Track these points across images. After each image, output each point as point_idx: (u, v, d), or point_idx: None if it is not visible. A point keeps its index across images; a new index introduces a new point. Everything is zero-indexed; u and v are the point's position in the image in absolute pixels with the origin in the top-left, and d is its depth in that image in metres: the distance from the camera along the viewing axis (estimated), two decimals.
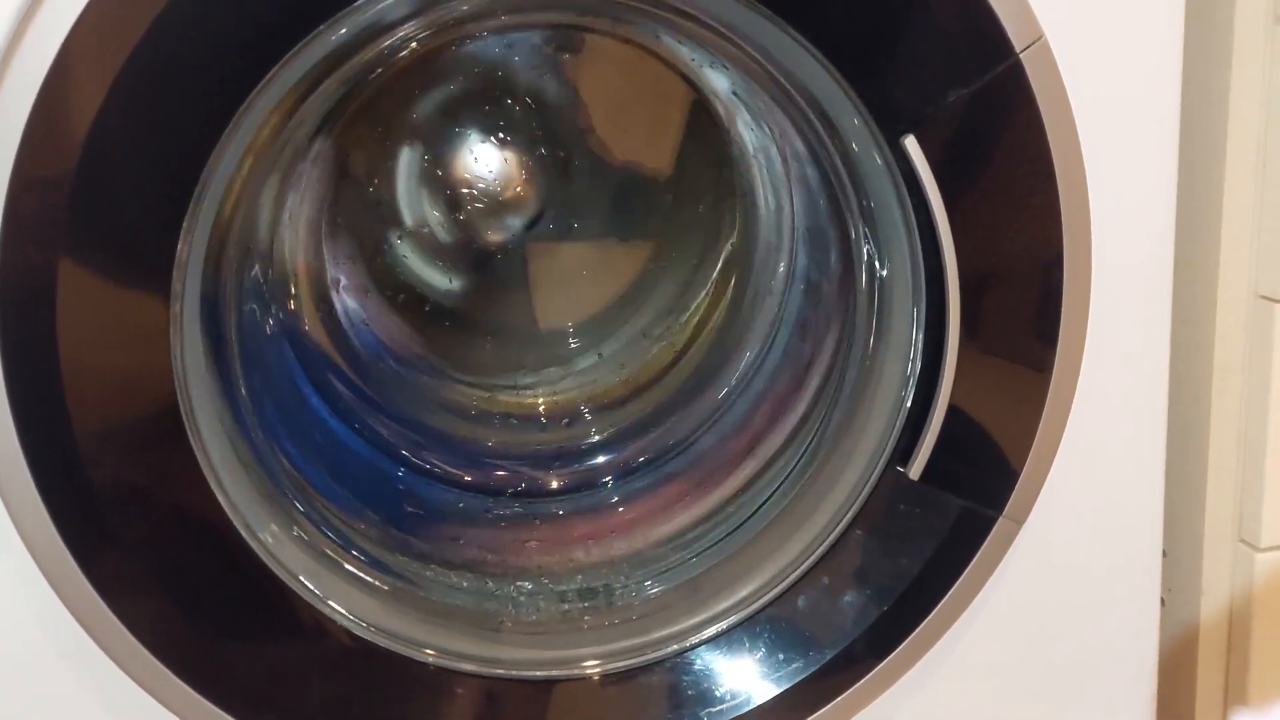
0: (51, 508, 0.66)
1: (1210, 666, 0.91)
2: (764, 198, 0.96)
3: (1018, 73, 0.71)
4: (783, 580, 0.81)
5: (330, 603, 0.75)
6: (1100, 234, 0.75)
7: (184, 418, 0.68)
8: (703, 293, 1.01)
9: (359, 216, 0.96)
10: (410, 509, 0.92)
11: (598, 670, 0.80)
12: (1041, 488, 0.79)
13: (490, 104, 0.95)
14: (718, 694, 0.80)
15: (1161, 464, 0.85)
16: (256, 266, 0.88)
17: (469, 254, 0.98)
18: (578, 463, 0.98)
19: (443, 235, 0.97)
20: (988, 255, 0.74)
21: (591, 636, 0.82)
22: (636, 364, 1.02)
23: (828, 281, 0.89)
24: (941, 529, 0.79)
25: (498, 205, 0.96)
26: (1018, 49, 0.70)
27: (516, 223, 0.97)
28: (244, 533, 0.71)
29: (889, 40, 0.71)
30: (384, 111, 0.93)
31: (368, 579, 0.80)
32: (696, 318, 1.01)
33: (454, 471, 0.95)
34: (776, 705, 0.79)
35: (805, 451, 0.86)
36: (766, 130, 0.92)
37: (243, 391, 0.79)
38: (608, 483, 0.97)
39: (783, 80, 0.77)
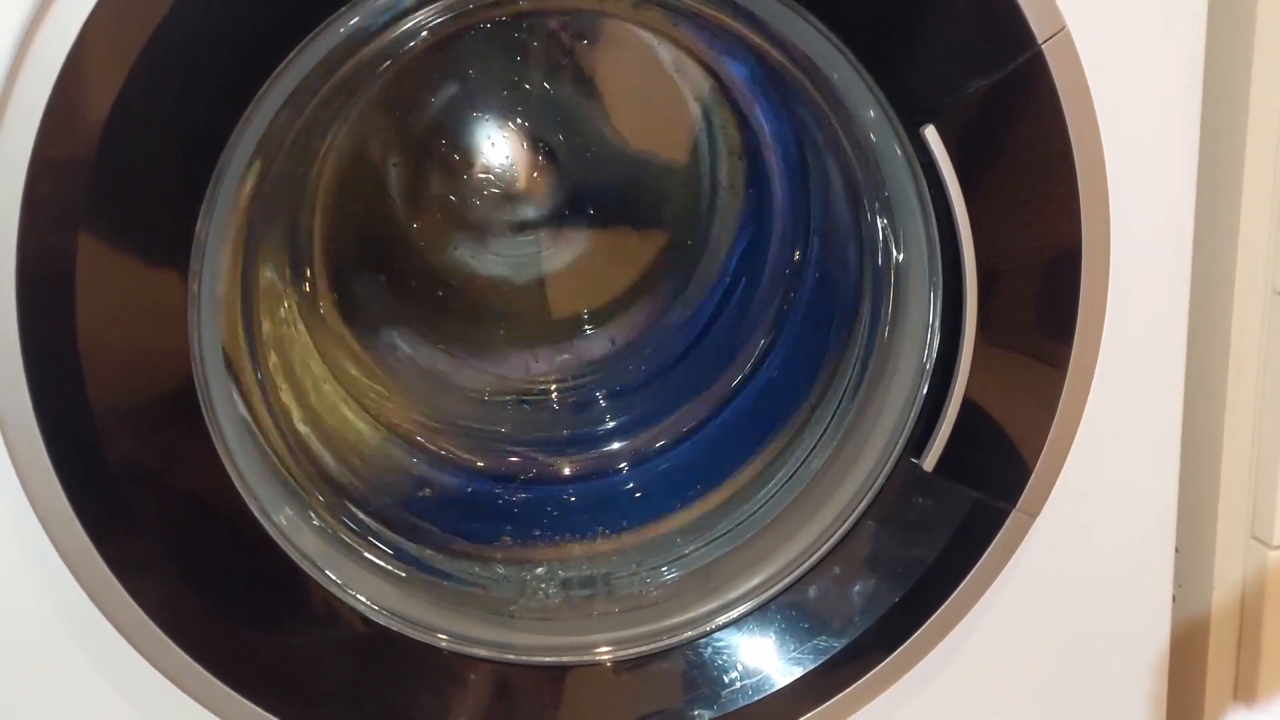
0: (66, 485, 0.66)
1: (1220, 663, 0.91)
2: (780, 186, 0.96)
3: (1039, 64, 0.70)
4: (795, 569, 0.82)
5: (345, 588, 0.76)
6: (1119, 227, 0.75)
7: (200, 399, 0.69)
8: (718, 281, 1.01)
9: (375, 201, 0.96)
10: (423, 495, 0.93)
11: (610, 656, 0.80)
12: (1055, 481, 0.79)
13: (506, 90, 0.95)
14: (729, 681, 0.80)
15: (1176, 459, 0.85)
16: (274, 249, 0.88)
17: (484, 240, 0.98)
18: (592, 449, 0.98)
19: (458, 221, 0.97)
20: (1006, 247, 0.74)
21: (604, 623, 0.82)
22: (650, 351, 1.02)
23: (843, 271, 0.89)
24: (954, 521, 0.79)
25: (513, 191, 0.96)
26: (1039, 40, 0.70)
27: (532, 209, 0.97)
28: (258, 515, 0.72)
29: (909, 29, 0.70)
30: (401, 97, 0.92)
31: (382, 565, 0.80)
32: (711, 305, 1.01)
33: (467, 457, 0.96)
34: (788, 693, 0.79)
35: (819, 440, 0.86)
36: (784, 119, 0.91)
37: (259, 374, 0.80)
38: (622, 469, 0.97)
39: (801, 69, 0.77)
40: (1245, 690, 0.91)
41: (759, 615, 0.82)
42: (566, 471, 0.97)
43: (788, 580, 0.82)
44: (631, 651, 0.81)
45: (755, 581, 0.83)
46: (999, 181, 0.73)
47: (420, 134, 0.95)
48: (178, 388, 0.68)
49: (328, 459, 0.86)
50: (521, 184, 0.96)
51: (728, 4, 0.77)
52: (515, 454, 0.98)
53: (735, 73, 0.92)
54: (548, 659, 0.80)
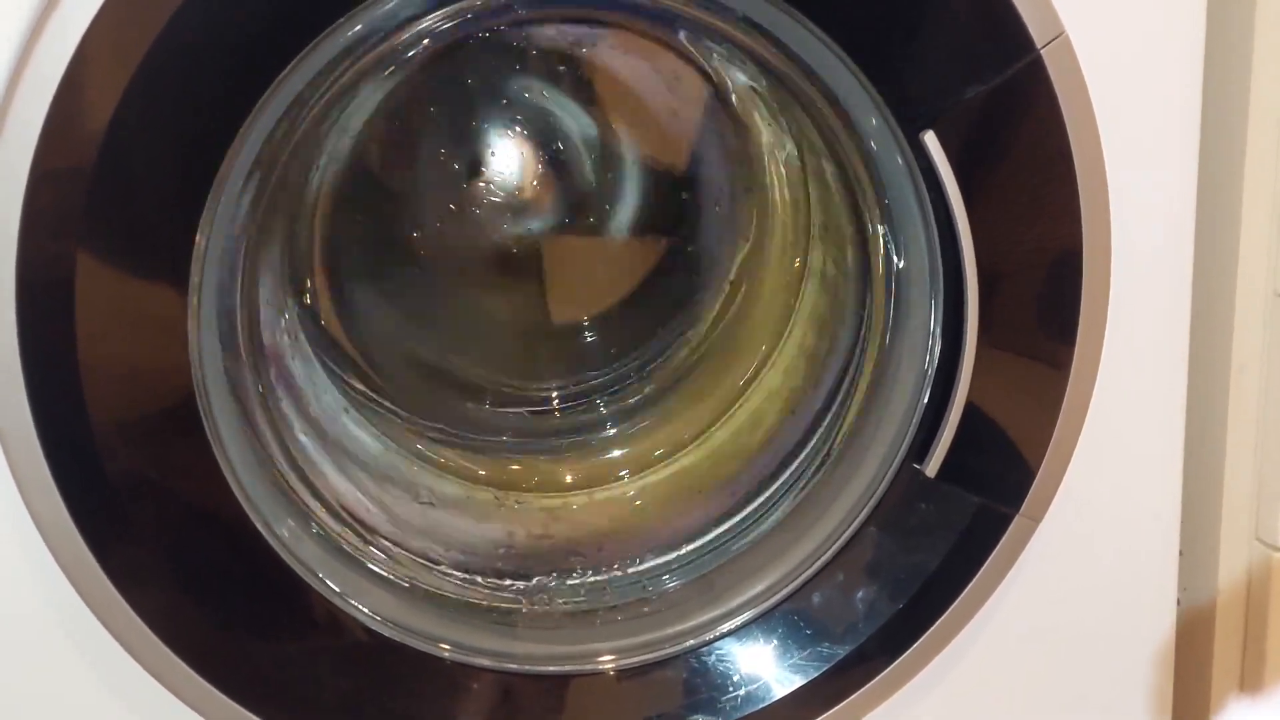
0: (67, 497, 0.67)
1: (1225, 665, 0.91)
2: (780, 192, 0.96)
3: (1038, 68, 0.70)
4: (798, 576, 0.81)
5: (346, 598, 0.75)
6: (1120, 231, 0.75)
7: (201, 410, 0.69)
8: (718, 287, 1.01)
9: (376, 210, 0.96)
10: (425, 503, 0.92)
11: (613, 665, 0.80)
12: (1059, 485, 0.79)
13: (507, 99, 0.95)
14: (732, 689, 0.80)
15: (1179, 462, 0.84)
16: (274, 259, 0.88)
17: (485, 248, 0.98)
18: (593, 457, 0.98)
19: (459, 229, 0.97)
20: (1006, 251, 0.74)
21: (606, 631, 0.82)
22: (651, 359, 1.02)
23: (844, 277, 0.89)
24: (958, 526, 0.79)
25: (513, 200, 0.96)
26: (1039, 44, 0.70)
27: (532, 217, 0.97)
28: (260, 526, 0.72)
29: (909, 35, 0.70)
30: (401, 106, 0.93)
31: (384, 574, 0.80)
32: (712, 312, 1.01)
33: (468, 466, 0.95)
34: (792, 700, 0.79)
35: (821, 447, 0.86)
36: (784, 125, 0.91)
37: (259, 385, 0.80)
38: (623, 477, 0.97)
39: (801, 75, 0.77)
40: (1251, 692, 0.91)
41: (761, 623, 0.82)
42: (568, 479, 0.97)
43: (790, 587, 0.82)
44: (634, 660, 0.80)
45: (758, 589, 0.82)
46: (999, 186, 0.73)
47: (421, 142, 0.95)
48: (178, 399, 0.68)
49: (329, 468, 0.86)
50: (522, 192, 0.96)
51: (727, 11, 0.77)
52: (516, 462, 0.98)
53: (735, 79, 0.92)
54: (550, 668, 0.79)
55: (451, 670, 0.78)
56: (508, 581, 0.87)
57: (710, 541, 0.88)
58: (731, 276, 1.01)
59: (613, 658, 0.80)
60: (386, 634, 0.76)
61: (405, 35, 0.81)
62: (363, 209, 0.96)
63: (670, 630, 0.82)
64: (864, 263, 0.85)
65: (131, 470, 0.67)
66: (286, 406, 0.85)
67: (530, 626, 0.83)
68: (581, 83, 0.96)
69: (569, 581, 0.87)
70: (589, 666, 0.80)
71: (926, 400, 0.78)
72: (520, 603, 0.85)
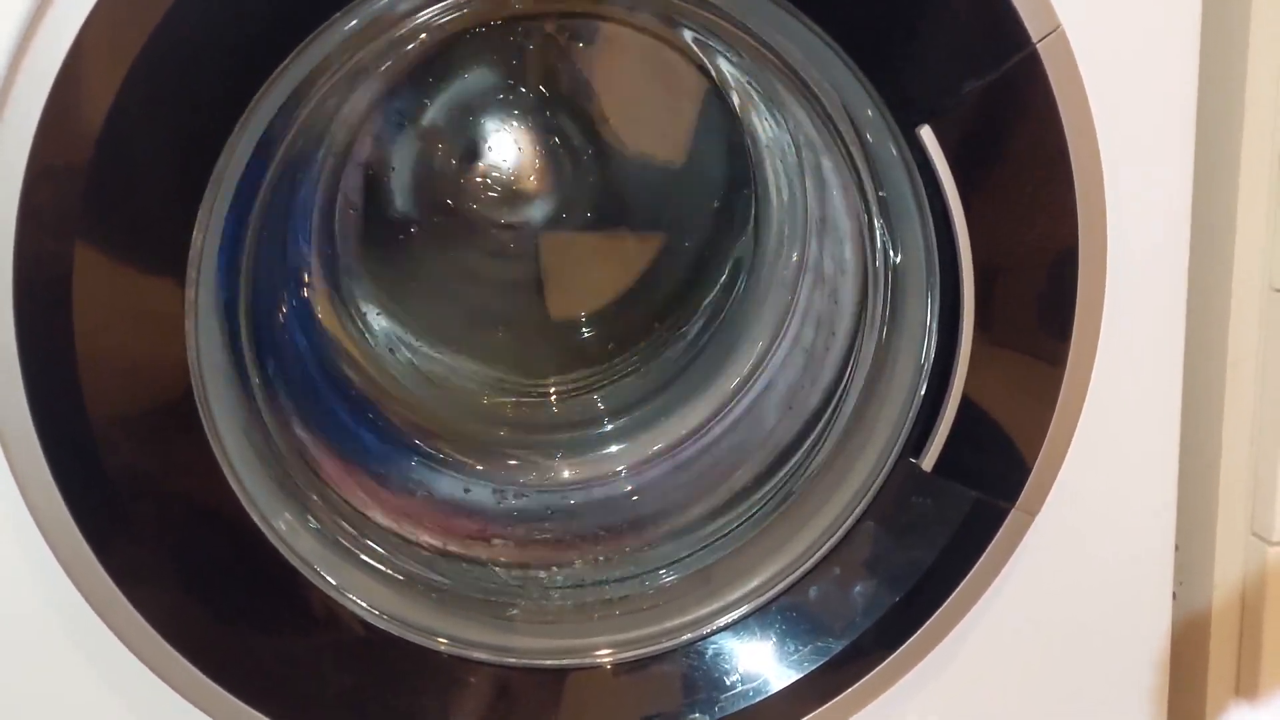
0: (66, 493, 0.66)
1: (1221, 660, 0.91)
2: (777, 187, 0.96)
3: (1034, 63, 0.70)
4: (795, 570, 0.81)
5: (344, 592, 0.76)
6: (1115, 226, 0.75)
7: (199, 405, 0.69)
8: (716, 283, 1.01)
9: (372, 206, 0.96)
10: (421, 497, 0.93)
11: (610, 659, 0.80)
12: (1055, 480, 0.79)
13: (504, 94, 0.95)
14: (729, 683, 0.80)
15: (1175, 457, 0.85)
16: (272, 254, 0.88)
17: (482, 243, 0.98)
18: (590, 453, 0.98)
19: (456, 224, 0.97)
20: (1002, 246, 0.74)
21: (603, 625, 0.82)
22: (649, 354, 1.02)
23: (841, 272, 0.89)
24: (954, 520, 0.79)
25: (511, 195, 0.96)
26: (1034, 39, 0.70)
27: (529, 212, 0.97)
28: (258, 521, 0.72)
29: (905, 30, 0.70)
30: (397, 101, 0.93)
31: (381, 568, 0.80)
32: (709, 308, 1.02)
33: (466, 461, 0.96)
34: (789, 694, 0.79)
35: (818, 441, 0.86)
36: (780, 120, 0.92)
37: (257, 380, 0.80)
38: (621, 472, 0.97)
39: (797, 70, 0.77)
40: (1247, 687, 0.91)
41: (759, 617, 0.82)
42: (565, 474, 0.97)
43: (787, 581, 0.82)
44: (631, 654, 0.81)
45: (755, 583, 0.83)
46: (995, 181, 0.73)
47: (418, 137, 0.95)
48: (176, 395, 0.68)
49: (326, 462, 0.86)
50: (519, 186, 0.96)
51: (723, 6, 0.77)
52: (513, 457, 0.98)
53: (731, 74, 0.92)
54: (547, 661, 0.80)
55: (449, 664, 0.78)
56: (504, 575, 0.87)
57: (707, 536, 0.88)
58: (728, 271, 1.01)
59: (610, 651, 0.81)
60: (384, 628, 0.76)
61: (403, 29, 0.81)
62: (360, 203, 0.96)
63: (667, 624, 0.82)
64: (861, 258, 0.85)
65: (131, 466, 0.67)
66: (284, 401, 0.85)
67: (527, 620, 0.83)
68: (578, 77, 0.96)
69: (566, 575, 0.87)
70: (586, 660, 0.80)
71: (923, 395, 0.78)
72: (518, 596, 0.85)
